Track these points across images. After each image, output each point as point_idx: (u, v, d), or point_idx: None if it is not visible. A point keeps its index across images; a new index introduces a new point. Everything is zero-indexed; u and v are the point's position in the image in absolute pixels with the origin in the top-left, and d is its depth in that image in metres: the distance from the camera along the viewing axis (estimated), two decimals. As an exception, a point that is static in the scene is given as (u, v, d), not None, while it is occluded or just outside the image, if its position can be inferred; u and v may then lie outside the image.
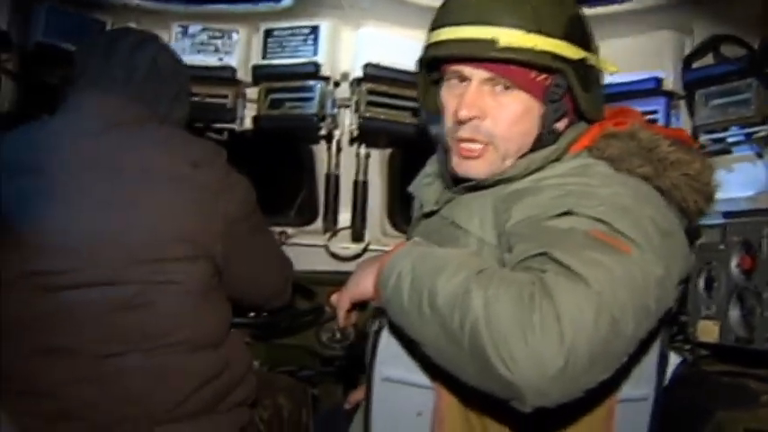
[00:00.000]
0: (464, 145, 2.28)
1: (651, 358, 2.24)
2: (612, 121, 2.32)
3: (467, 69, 2.25)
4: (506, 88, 2.24)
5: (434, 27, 2.31)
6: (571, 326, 1.74)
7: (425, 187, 2.62)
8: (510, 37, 2.16)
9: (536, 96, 2.26)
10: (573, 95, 2.29)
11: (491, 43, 2.17)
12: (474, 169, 2.30)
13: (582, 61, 2.27)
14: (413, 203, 2.81)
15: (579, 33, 2.30)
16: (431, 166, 2.68)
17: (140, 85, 2.86)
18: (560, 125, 2.35)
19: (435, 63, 2.37)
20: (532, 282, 1.83)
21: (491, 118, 2.24)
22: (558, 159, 2.27)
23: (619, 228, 1.93)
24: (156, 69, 2.91)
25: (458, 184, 2.40)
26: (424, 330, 1.95)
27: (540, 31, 2.18)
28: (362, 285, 2.22)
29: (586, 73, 2.29)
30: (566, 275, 1.82)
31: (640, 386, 2.24)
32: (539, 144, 2.29)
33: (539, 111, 2.28)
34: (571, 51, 2.24)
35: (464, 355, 1.84)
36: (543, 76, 2.25)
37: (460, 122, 2.25)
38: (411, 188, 2.75)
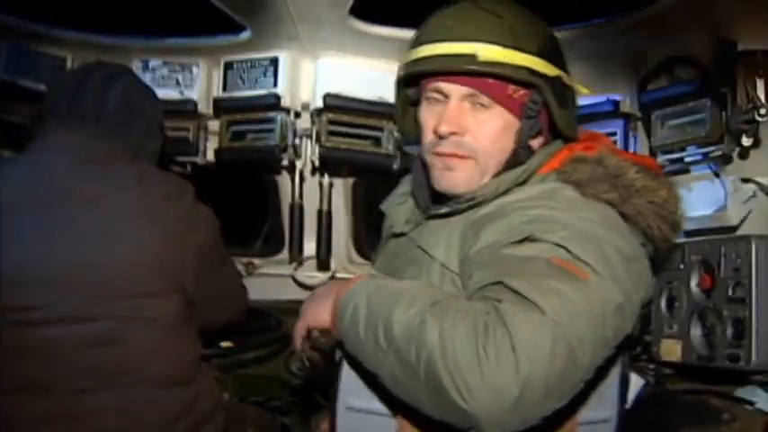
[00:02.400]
0: (443, 158, 2.31)
1: (612, 381, 2.25)
2: (582, 144, 2.35)
3: (446, 85, 2.29)
4: (484, 106, 2.27)
5: (414, 46, 2.35)
6: (527, 356, 1.75)
7: (397, 206, 2.63)
8: (489, 51, 2.21)
9: (513, 112, 2.29)
10: (549, 112, 2.32)
11: (471, 57, 2.22)
12: (454, 183, 2.32)
13: (557, 78, 2.31)
14: (384, 222, 2.82)
15: (553, 52, 2.34)
16: (405, 186, 2.69)
17: (110, 121, 2.84)
18: (535, 142, 2.38)
19: (413, 81, 2.41)
20: (488, 312, 1.84)
21: (471, 134, 2.27)
22: (526, 181, 2.29)
23: (578, 254, 1.94)
24: (126, 104, 2.90)
25: (434, 202, 2.42)
26: (380, 362, 1.96)
27: (516, 47, 2.23)
28: (320, 315, 2.22)
29: (562, 90, 2.32)
30: (521, 304, 1.83)
31: (602, 408, 2.25)
32: (513, 160, 2.32)
33: (515, 127, 2.31)
34: (546, 68, 2.28)
35: (420, 386, 1.85)
36: (521, 91, 2.28)
37: (440, 138, 2.28)
38: (383, 206, 2.76)
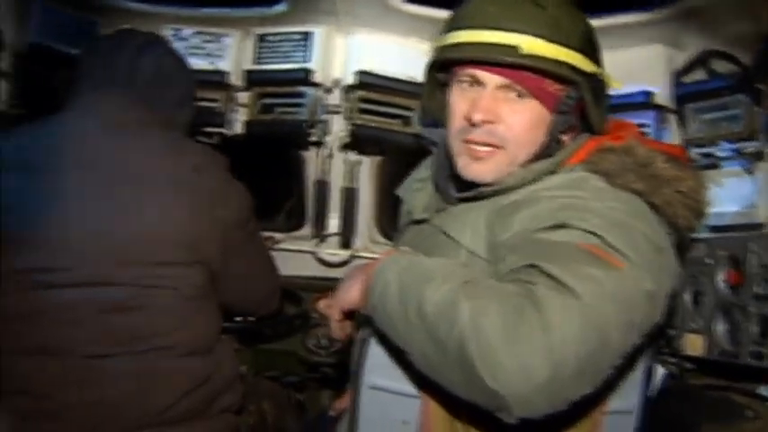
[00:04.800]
0: (474, 146, 2.29)
1: (637, 371, 2.25)
2: (609, 135, 2.34)
3: (483, 74, 2.26)
4: (519, 96, 2.26)
5: (451, 29, 2.32)
6: (559, 338, 1.75)
7: (415, 192, 2.62)
8: (532, 45, 2.19)
9: (547, 106, 2.28)
10: (583, 108, 2.31)
11: (513, 49, 2.19)
12: (482, 172, 2.31)
13: (595, 75, 2.30)
14: (400, 207, 2.81)
15: (592, 47, 2.33)
16: (422, 171, 2.68)
17: (144, 89, 2.86)
18: (566, 137, 2.37)
19: (445, 65, 2.39)
20: (521, 293, 1.84)
21: (504, 123, 2.26)
22: (554, 172, 2.28)
23: (612, 242, 1.94)
24: (159, 73, 2.92)
25: (459, 188, 2.40)
26: (410, 339, 1.96)
27: (560, 42, 2.21)
28: (350, 294, 2.23)
29: (598, 87, 2.32)
30: (555, 288, 1.83)
31: (626, 399, 2.25)
32: (543, 153, 2.31)
33: (547, 120, 2.30)
34: (586, 64, 2.27)
35: (450, 365, 1.85)
36: (557, 86, 2.27)
37: (473, 125, 2.26)
38: (399, 191, 2.75)
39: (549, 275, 1.86)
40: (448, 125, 2.39)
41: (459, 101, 2.33)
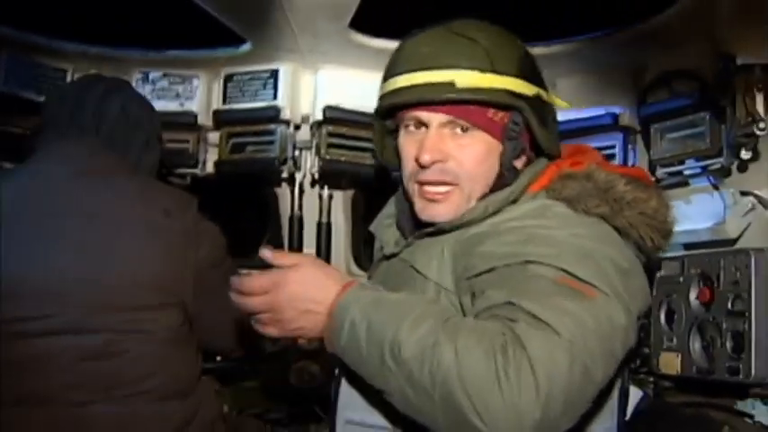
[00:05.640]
0: (428, 188, 2.29)
1: (613, 394, 2.26)
2: (569, 160, 2.35)
3: (424, 114, 2.26)
4: (464, 130, 2.25)
5: (388, 77, 2.33)
6: (546, 376, 1.74)
7: (386, 228, 2.61)
8: (467, 78, 2.19)
9: (495, 135, 2.27)
10: (530, 132, 2.31)
11: (449, 85, 2.19)
12: (439, 213, 2.30)
13: (537, 97, 2.30)
14: (375, 243, 2.81)
15: (531, 70, 2.33)
16: (391, 207, 2.67)
17: (110, 134, 2.86)
18: (519, 163, 2.36)
19: (391, 111, 2.39)
20: (503, 332, 1.82)
21: (453, 159, 2.25)
22: (515, 201, 2.28)
23: (581, 275, 1.94)
24: (124, 117, 2.92)
25: (418, 227, 2.40)
26: (387, 381, 1.92)
27: (494, 71, 2.21)
28: (308, 325, 2.10)
29: (542, 109, 2.32)
30: (537, 325, 1.82)
31: (602, 421, 2.25)
32: (499, 182, 2.30)
33: (498, 149, 2.29)
34: (526, 88, 2.26)
35: (435, 408, 1.82)
36: (500, 114, 2.27)
37: (422, 167, 2.26)
38: (372, 228, 2.75)
39: (528, 312, 1.85)
40: (401, 169, 2.40)
41: (408, 144, 2.33)
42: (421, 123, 2.29)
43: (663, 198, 2.27)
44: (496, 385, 1.74)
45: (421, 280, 2.25)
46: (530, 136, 2.34)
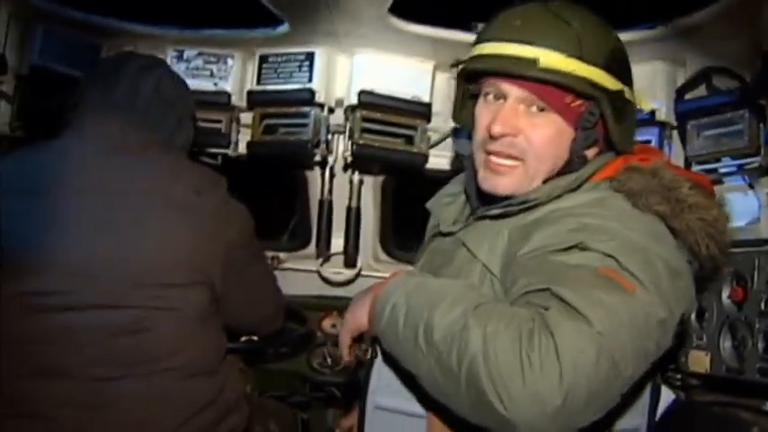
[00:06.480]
0: (494, 159, 2.32)
1: (645, 392, 2.26)
2: (637, 156, 2.35)
3: (504, 85, 2.29)
4: (540, 110, 2.27)
5: (479, 41, 2.36)
6: (571, 366, 1.74)
7: (445, 207, 2.64)
8: (550, 58, 2.21)
9: (569, 121, 2.29)
10: (605, 125, 2.31)
11: (531, 62, 2.21)
12: (501, 185, 2.33)
13: (618, 93, 2.30)
14: (429, 221, 2.82)
15: (619, 65, 2.34)
16: (453, 186, 2.70)
17: (143, 111, 2.87)
18: (590, 153, 2.37)
19: (474, 76, 2.41)
20: (533, 318, 1.83)
21: (524, 135, 2.27)
22: (578, 187, 2.28)
23: (627, 266, 1.93)
24: (158, 95, 2.92)
25: (484, 202, 2.41)
26: (419, 363, 1.95)
27: (580, 57, 2.22)
28: (358, 318, 2.23)
29: (621, 105, 2.31)
30: (568, 314, 1.82)
31: (633, 418, 2.25)
32: (566, 169, 2.32)
33: (570, 136, 2.31)
34: (609, 81, 2.27)
35: (460, 390, 1.84)
36: (578, 101, 2.28)
37: (492, 137, 2.27)
38: (429, 205, 2.77)
39: (562, 300, 1.85)
40: (473, 135, 2.42)
41: (483, 113, 2.36)
42: (499, 94, 2.31)
43: (723, 209, 2.28)
44: (520, 370, 1.75)
45: (470, 260, 2.28)
46: (605, 129, 2.34)
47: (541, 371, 1.74)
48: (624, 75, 2.35)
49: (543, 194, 2.26)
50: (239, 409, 2.91)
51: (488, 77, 2.33)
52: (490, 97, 2.34)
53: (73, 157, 2.74)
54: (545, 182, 2.31)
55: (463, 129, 2.66)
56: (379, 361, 2.19)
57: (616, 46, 2.35)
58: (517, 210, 2.28)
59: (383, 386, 2.20)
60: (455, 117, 2.61)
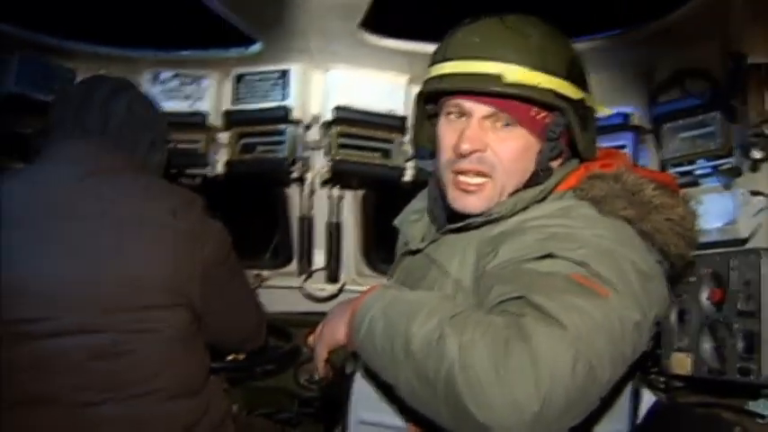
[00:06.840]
0: (462, 178, 2.31)
1: (624, 395, 2.26)
2: (599, 162, 2.36)
3: (468, 104, 2.28)
4: (506, 125, 2.27)
5: (437, 61, 2.35)
6: (548, 371, 1.74)
7: (412, 224, 2.63)
8: (515, 73, 2.21)
9: (535, 134, 2.29)
10: (570, 135, 2.32)
11: (497, 78, 2.21)
12: (471, 204, 2.32)
13: (581, 101, 2.31)
14: (398, 238, 2.82)
15: (579, 74, 2.34)
16: (419, 202, 2.69)
17: (116, 134, 2.86)
18: (555, 163, 2.38)
19: (434, 96, 2.41)
20: (509, 326, 1.83)
21: (492, 150, 2.27)
22: (543, 199, 2.29)
23: (599, 271, 1.94)
24: (130, 117, 2.92)
25: (451, 220, 2.41)
26: (397, 374, 1.96)
27: (544, 69, 2.23)
28: (336, 332, 2.23)
29: (584, 113, 2.33)
30: (544, 320, 1.82)
31: (614, 422, 2.25)
32: (532, 181, 2.32)
33: (536, 148, 2.31)
34: (572, 91, 2.28)
35: (439, 399, 1.84)
36: (543, 113, 2.28)
37: (461, 156, 2.27)
38: (396, 222, 2.76)
39: (536, 306, 1.85)
40: (438, 156, 2.41)
41: (448, 132, 2.34)
42: (463, 113, 2.30)
43: (689, 206, 2.29)
44: (496, 378, 1.75)
45: (441, 275, 2.28)
46: (569, 138, 2.35)
47: (518, 377, 1.74)
48: (583, 82, 2.37)
49: (506, 209, 2.26)
50: (224, 429, 2.90)
51: (450, 96, 2.33)
52: (452, 116, 2.33)
53: (47, 182, 2.73)
54: (511, 195, 2.31)
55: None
56: (359, 375, 2.19)
57: (573, 54, 2.36)
58: (481, 223, 2.28)
59: (364, 400, 2.19)
60: (417, 139, 2.60)
